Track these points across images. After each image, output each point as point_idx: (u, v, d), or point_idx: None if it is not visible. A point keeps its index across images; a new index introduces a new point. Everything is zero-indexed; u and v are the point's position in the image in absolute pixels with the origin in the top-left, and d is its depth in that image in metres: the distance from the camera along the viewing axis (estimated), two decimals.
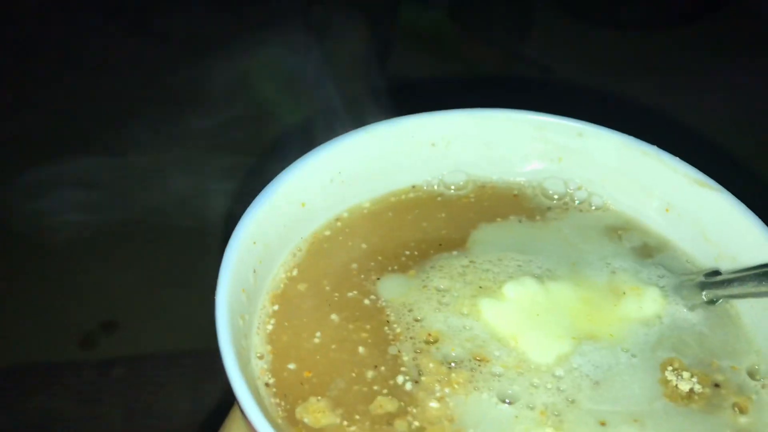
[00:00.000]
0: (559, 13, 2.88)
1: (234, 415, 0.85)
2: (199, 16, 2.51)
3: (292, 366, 0.78)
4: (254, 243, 0.81)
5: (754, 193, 0.90)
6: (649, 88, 2.32)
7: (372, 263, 0.88)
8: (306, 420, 0.74)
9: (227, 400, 0.77)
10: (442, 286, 0.84)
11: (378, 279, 0.86)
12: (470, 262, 0.87)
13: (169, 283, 1.84)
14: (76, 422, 1.66)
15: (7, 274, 1.86)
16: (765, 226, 0.82)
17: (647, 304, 0.83)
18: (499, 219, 0.93)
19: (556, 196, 0.95)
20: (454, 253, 0.88)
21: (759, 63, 2.44)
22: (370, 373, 0.77)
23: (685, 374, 0.78)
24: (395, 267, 0.87)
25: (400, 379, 0.76)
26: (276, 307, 0.83)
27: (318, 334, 0.81)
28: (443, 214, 0.93)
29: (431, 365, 0.77)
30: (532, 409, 0.74)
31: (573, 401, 0.75)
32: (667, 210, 0.91)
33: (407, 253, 0.89)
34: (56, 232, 1.85)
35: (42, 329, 1.75)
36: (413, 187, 0.96)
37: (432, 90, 2.40)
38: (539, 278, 0.85)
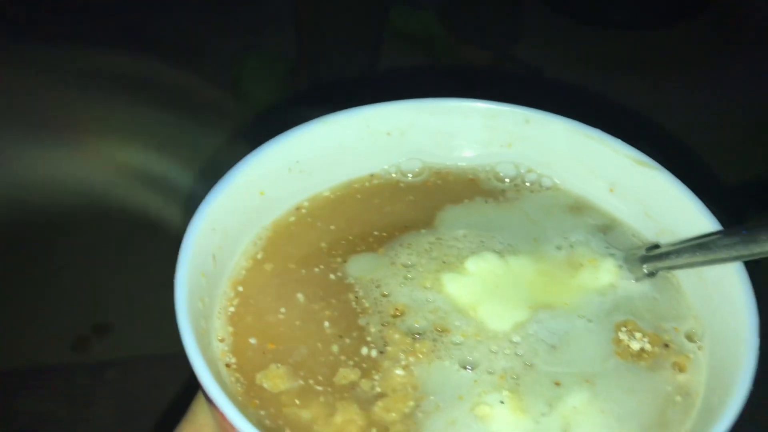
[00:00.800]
0: (549, 13, 2.91)
1: (199, 396, 0.87)
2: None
3: (253, 340, 0.81)
4: (213, 230, 0.83)
5: (710, 183, 0.94)
6: (637, 85, 2.36)
7: (341, 243, 0.91)
8: (265, 385, 0.77)
9: None
10: (409, 262, 0.88)
11: (347, 258, 0.89)
12: (437, 239, 0.92)
13: (161, 285, 1.87)
14: (68, 424, 1.68)
15: (0, 277, 1.88)
16: (699, 201, 0.87)
17: (603, 274, 0.88)
18: (466, 200, 0.97)
19: (507, 180, 1.00)
20: (422, 231, 0.93)
21: (744, 62, 2.50)
22: (335, 346, 0.81)
23: (638, 335, 0.83)
24: (364, 246, 0.91)
25: (364, 350, 0.80)
26: (240, 288, 0.86)
27: (283, 309, 0.84)
28: (411, 197, 0.97)
29: (396, 336, 0.81)
30: (491, 373, 0.79)
31: (530, 365, 0.80)
32: (611, 190, 0.96)
33: (375, 233, 0.92)
34: (49, 235, 1.88)
35: (34, 332, 1.77)
36: (372, 175, 0.99)
37: (419, 88, 2.42)
38: (500, 253, 0.90)
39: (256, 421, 0.73)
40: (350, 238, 0.92)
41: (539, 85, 2.55)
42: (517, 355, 0.81)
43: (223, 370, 0.79)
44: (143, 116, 2.24)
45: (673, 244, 0.85)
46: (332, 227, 0.93)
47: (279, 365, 0.79)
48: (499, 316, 0.84)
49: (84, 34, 2.47)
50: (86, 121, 2.24)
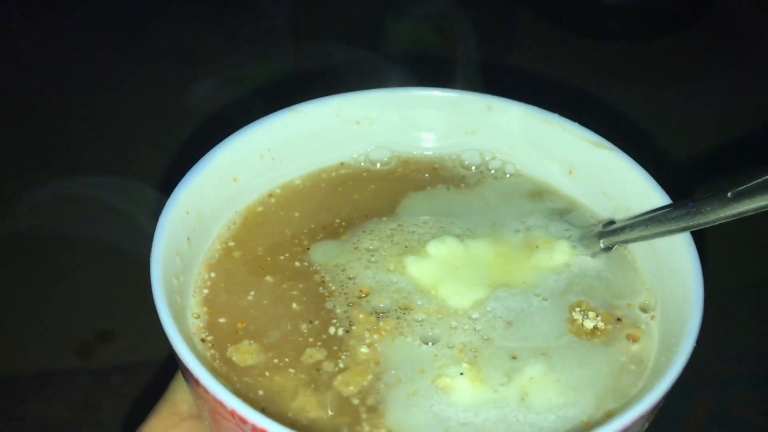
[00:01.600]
0: (545, 24, 2.93)
1: (177, 375, 0.91)
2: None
3: (223, 320, 0.85)
4: (187, 213, 0.87)
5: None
6: (630, 95, 2.39)
7: (305, 231, 0.95)
8: (235, 359, 0.81)
9: None
10: (371, 247, 0.92)
11: (312, 245, 0.93)
12: (398, 225, 0.96)
13: None
14: (73, 428, 1.71)
15: (3, 282, 1.90)
16: (651, 178, 0.92)
17: (557, 255, 0.92)
18: (429, 188, 1.01)
19: (473, 167, 1.04)
20: (384, 219, 0.97)
21: (736, 70, 2.52)
22: (303, 326, 0.85)
23: (591, 314, 0.87)
24: (327, 234, 0.95)
25: (331, 330, 0.84)
26: (213, 275, 0.90)
27: (252, 293, 0.88)
28: (373, 186, 1.01)
29: (361, 316, 0.85)
30: (451, 348, 0.83)
31: (488, 339, 0.84)
32: (570, 172, 1.00)
33: (337, 221, 0.96)
34: (52, 242, 1.90)
35: (38, 337, 1.79)
36: (342, 164, 1.03)
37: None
38: (460, 237, 0.94)
39: (233, 391, 0.75)
40: (313, 226, 0.95)
41: (535, 94, 2.57)
42: (475, 330, 0.84)
43: (199, 345, 0.82)
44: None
45: (627, 219, 0.89)
46: (297, 215, 0.96)
47: (251, 342, 0.83)
48: (459, 295, 0.87)
49: (85, 42, 2.51)
50: (86, 125, 2.27)
